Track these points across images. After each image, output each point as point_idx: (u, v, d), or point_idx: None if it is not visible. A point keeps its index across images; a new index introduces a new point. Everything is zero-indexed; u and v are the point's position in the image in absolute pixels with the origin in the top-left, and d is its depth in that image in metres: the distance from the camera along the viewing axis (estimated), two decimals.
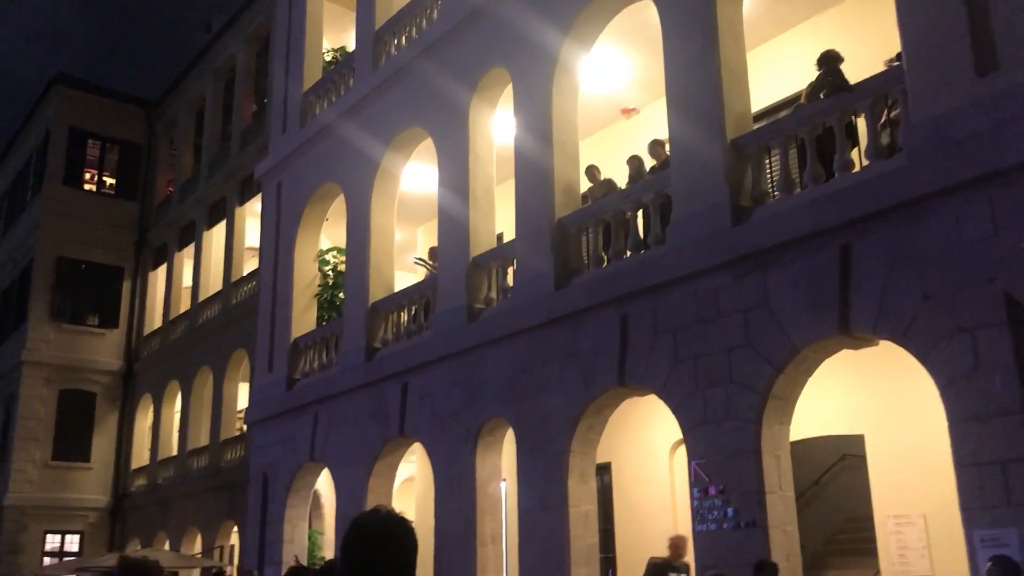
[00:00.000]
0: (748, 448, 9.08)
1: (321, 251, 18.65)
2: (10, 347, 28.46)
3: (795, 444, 9.77)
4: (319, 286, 18.43)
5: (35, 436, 26.57)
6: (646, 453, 13.48)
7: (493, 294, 13.20)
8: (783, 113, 11.24)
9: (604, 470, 13.03)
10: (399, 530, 2.57)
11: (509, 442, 12.72)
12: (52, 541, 26.39)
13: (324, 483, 17.24)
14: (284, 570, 14.62)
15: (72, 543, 26.65)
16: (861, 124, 9.29)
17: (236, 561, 19.89)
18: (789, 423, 9.32)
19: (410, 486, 17.43)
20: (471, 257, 13.37)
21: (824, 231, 8.72)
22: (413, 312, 14.88)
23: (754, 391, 9.14)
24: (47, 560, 25.59)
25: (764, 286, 9.24)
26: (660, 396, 10.33)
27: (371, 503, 14.55)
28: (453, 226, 13.79)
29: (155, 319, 28.02)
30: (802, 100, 10.34)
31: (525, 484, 11.79)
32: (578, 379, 11.24)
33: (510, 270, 13.03)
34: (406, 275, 17.65)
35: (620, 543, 13.38)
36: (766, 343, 9.12)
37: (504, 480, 13.05)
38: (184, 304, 26.31)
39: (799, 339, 8.88)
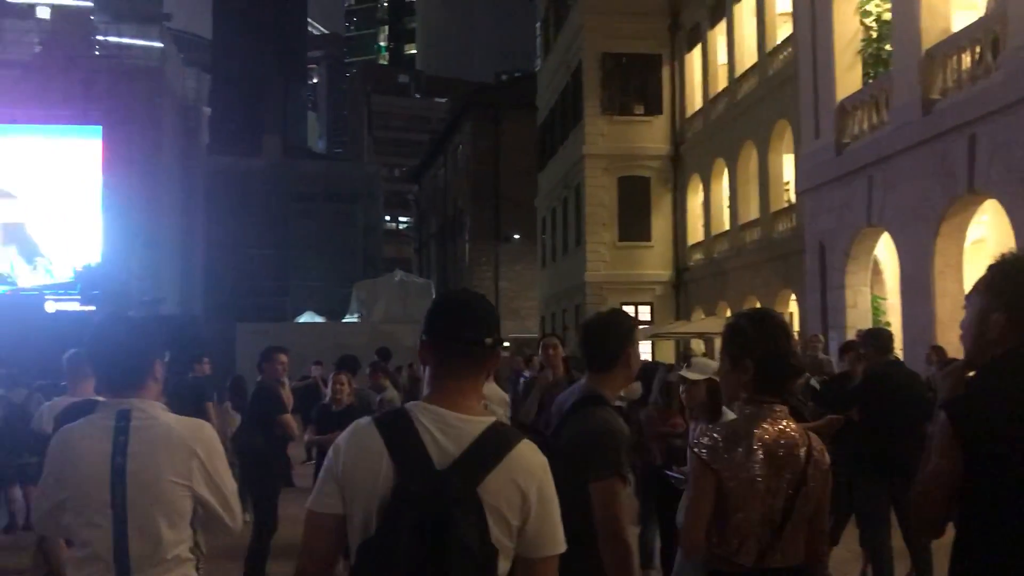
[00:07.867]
0: None
1: (862, 0, 17.13)
2: (572, 142, 31.56)
3: None
4: (862, 40, 17.05)
5: (602, 221, 29.67)
6: None
7: None
8: None
9: None
10: None
11: None
12: (627, 311, 29.73)
13: (882, 249, 16.58)
14: (846, 335, 14.60)
15: (644, 312, 29.75)
16: None
17: (797, 327, 20.41)
18: None
19: (981, 248, 15.94)
20: None
21: None
22: (978, 53, 13.07)
23: None
24: None
25: None
26: None
27: (939, 266, 13.75)
28: None
29: (695, 101, 28.69)
30: None
31: None
32: None
33: None
34: (964, 12, 15.43)
35: None
36: None
37: None
38: (721, 82, 26.44)
39: None
